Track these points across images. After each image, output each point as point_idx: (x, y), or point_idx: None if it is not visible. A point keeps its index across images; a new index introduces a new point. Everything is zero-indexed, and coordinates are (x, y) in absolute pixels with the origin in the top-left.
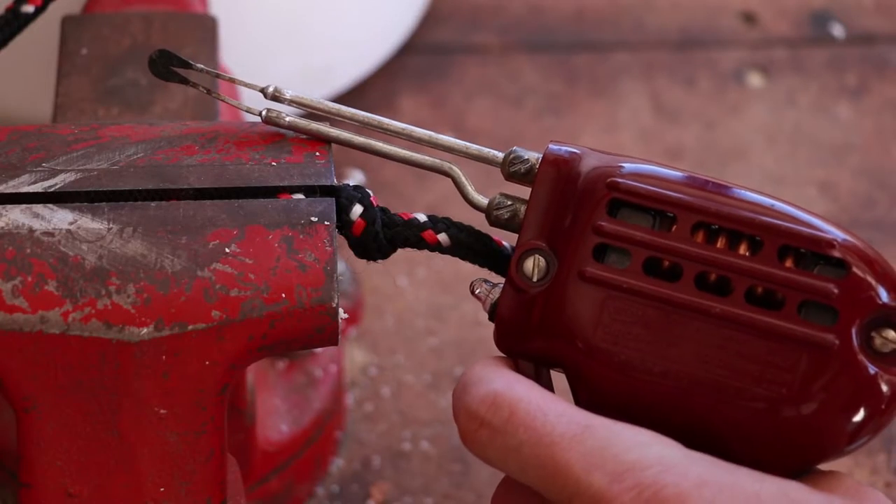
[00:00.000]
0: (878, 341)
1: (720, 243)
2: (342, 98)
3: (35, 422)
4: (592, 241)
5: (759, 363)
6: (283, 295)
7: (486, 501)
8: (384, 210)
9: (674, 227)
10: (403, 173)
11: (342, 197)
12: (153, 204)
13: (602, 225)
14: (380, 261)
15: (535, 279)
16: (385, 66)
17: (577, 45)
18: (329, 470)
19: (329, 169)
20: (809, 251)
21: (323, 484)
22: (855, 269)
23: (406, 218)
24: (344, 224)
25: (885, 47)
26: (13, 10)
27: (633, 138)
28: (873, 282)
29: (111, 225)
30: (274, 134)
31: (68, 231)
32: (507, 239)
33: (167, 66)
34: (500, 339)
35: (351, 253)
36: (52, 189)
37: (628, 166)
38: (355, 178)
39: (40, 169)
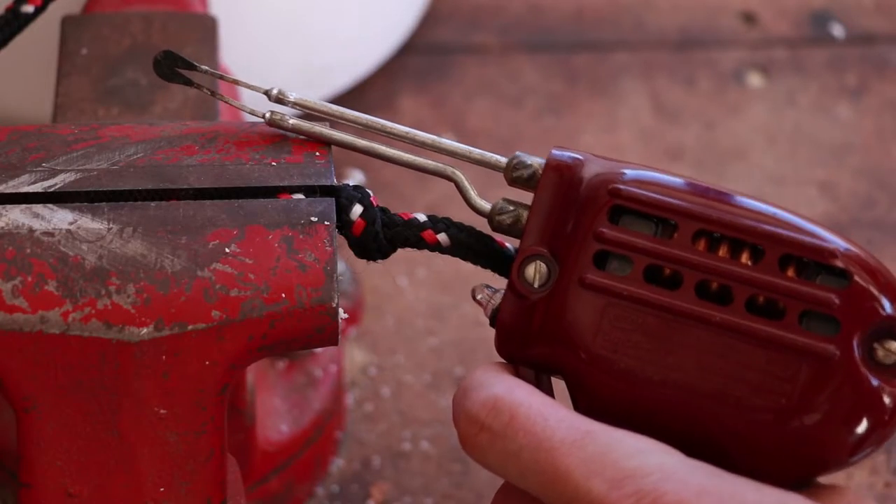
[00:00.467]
0: (880, 353)
1: (722, 251)
2: (342, 98)
3: (35, 422)
4: (593, 248)
5: (759, 372)
6: (283, 295)
7: (486, 502)
8: (384, 210)
9: (675, 235)
10: (403, 173)
11: (342, 197)
12: (153, 204)
13: (603, 232)
14: (380, 261)
15: (536, 285)
16: (385, 66)
17: (577, 45)
18: (329, 470)
19: (329, 169)
20: (812, 261)
21: (323, 484)
22: (857, 280)
23: (406, 218)
24: (344, 224)
25: (885, 47)
26: (13, 10)
27: (633, 138)
28: (876, 292)
29: (111, 225)
30: (274, 134)
31: (68, 231)
32: (509, 241)
33: (172, 68)
34: (501, 345)
35: (351, 253)
36: (52, 189)
37: (630, 173)
38: (355, 178)
39: (40, 169)
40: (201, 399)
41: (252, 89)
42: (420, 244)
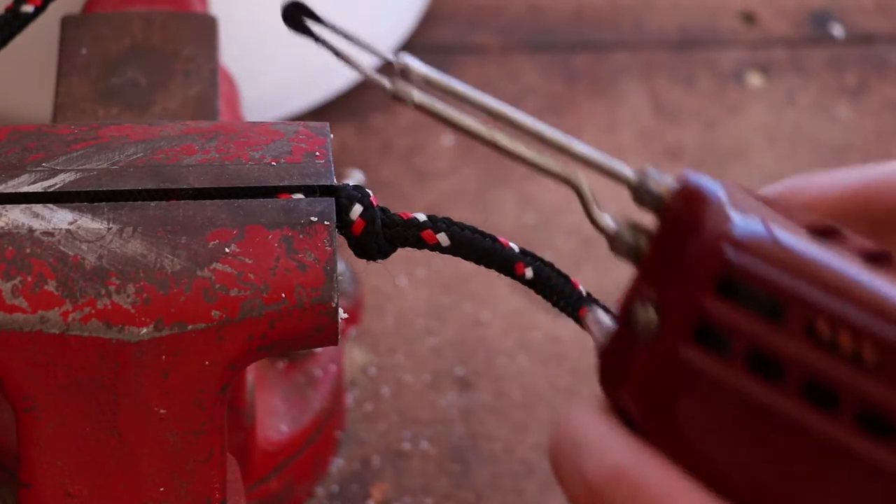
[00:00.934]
0: None
1: (843, 341)
2: (342, 98)
3: (35, 422)
4: (693, 319)
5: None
6: (283, 295)
7: (486, 501)
8: (384, 210)
9: (788, 321)
10: (403, 173)
11: (342, 197)
12: (153, 204)
13: (705, 305)
14: (380, 261)
15: (642, 331)
16: (385, 66)
17: (577, 45)
18: (329, 470)
19: (329, 169)
20: None
21: (323, 484)
22: None
23: (406, 218)
24: (344, 224)
25: (885, 47)
26: (13, 10)
27: (633, 138)
28: None
29: (111, 225)
30: (274, 133)
31: (68, 231)
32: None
33: (300, 19)
34: (603, 379)
35: (351, 253)
36: (51, 189)
37: (747, 231)
38: (355, 177)
39: (40, 169)
40: (201, 399)
41: (376, 55)
42: (420, 244)
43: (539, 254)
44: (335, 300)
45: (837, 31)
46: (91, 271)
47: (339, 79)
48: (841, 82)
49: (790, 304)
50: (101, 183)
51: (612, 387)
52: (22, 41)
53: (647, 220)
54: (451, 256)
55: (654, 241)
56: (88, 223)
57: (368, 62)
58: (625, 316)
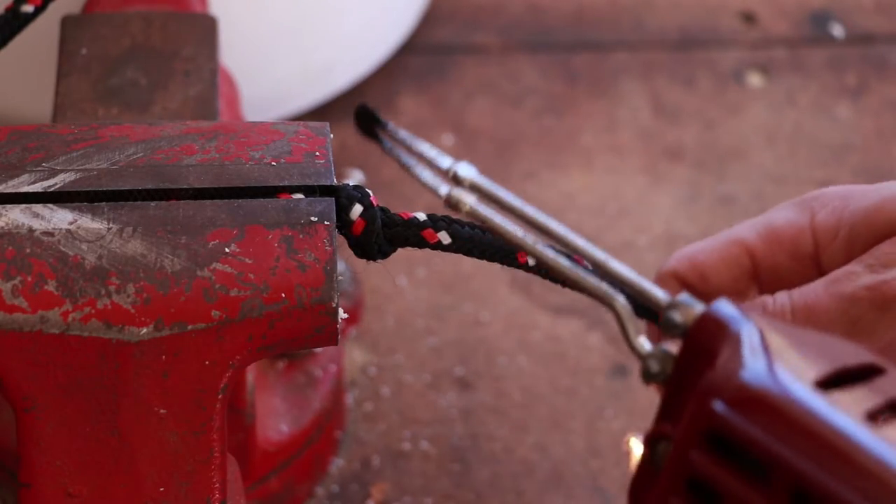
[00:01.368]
0: None
1: None
2: (342, 98)
3: (35, 422)
4: (685, 471)
5: None
6: (283, 295)
7: (486, 501)
8: (384, 210)
9: (773, 484)
10: (403, 173)
11: (342, 197)
12: (153, 204)
13: (694, 459)
14: (380, 261)
15: (657, 464)
16: (385, 66)
17: (577, 45)
18: (329, 470)
19: (329, 169)
20: None
21: (323, 484)
22: None
23: (406, 217)
24: (344, 224)
25: (885, 47)
26: (13, 10)
27: (633, 138)
28: None
29: (111, 225)
30: (274, 133)
31: (68, 231)
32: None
33: (370, 124)
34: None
35: (351, 253)
36: (51, 189)
37: (751, 382)
38: (355, 177)
39: (40, 169)
40: (201, 399)
41: (430, 168)
42: (421, 243)
43: None
44: (335, 300)
45: (837, 31)
46: (91, 271)
47: (339, 79)
48: (841, 82)
49: (775, 469)
50: (101, 183)
51: None
52: (22, 41)
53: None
54: (450, 257)
55: (673, 374)
56: (88, 223)
57: (428, 149)
58: (646, 445)
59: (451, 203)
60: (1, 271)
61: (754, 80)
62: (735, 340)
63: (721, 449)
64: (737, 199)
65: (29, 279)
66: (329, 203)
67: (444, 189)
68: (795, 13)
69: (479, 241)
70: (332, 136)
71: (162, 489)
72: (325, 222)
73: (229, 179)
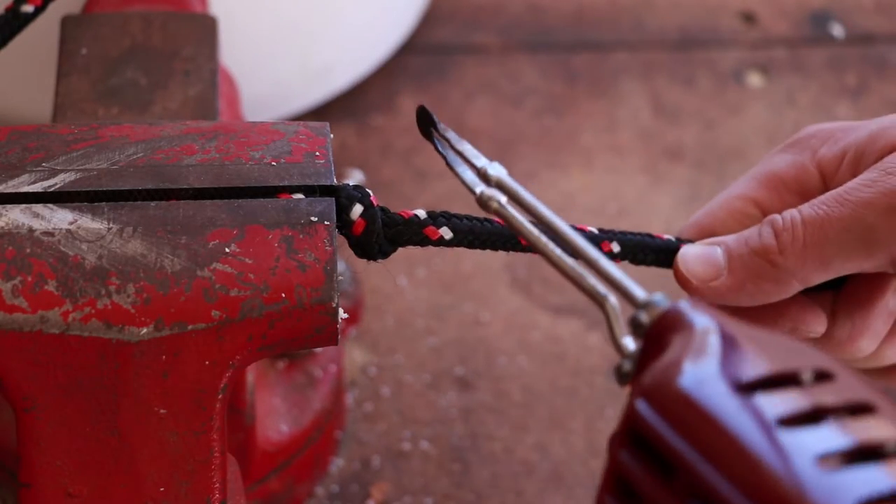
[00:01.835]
0: None
1: None
2: (342, 98)
3: (35, 422)
4: (616, 470)
5: None
6: (283, 295)
7: (486, 501)
8: (384, 209)
9: (676, 483)
10: (403, 173)
11: (342, 197)
12: (153, 204)
13: (621, 458)
14: (380, 261)
15: None
16: (385, 66)
17: (577, 45)
18: (329, 470)
19: (329, 169)
20: None
21: (323, 484)
22: None
23: (406, 217)
24: (344, 224)
25: (885, 47)
26: (13, 10)
27: (633, 138)
28: None
29: (111, 225)
30: (274, 133)
31: (68, 231)
32: None
33: (427, 126)
34: None
35: (351, 253)
36: (51, 189)
37: (674, 383)
38: (355, 177)
39: (40, 169)
40: (201, 399)
41: (468, 164)
42: (424, 241)
43: None
44: (335, 300)
45: (837, 31)
46: (91, 271)
47: (339, 79)
48: (841, 82)
49: (678, 469)
50: (101, 183)
51: None
52: (22, 41)
53: None
54: (450, 257)
55: (636, 373)
56: (88, 223)
57: (470, 151)
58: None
59: (481, 202)
60: (1, 271)
61: (754, 80)
62: (680, 341)
63: (644, 448)
64: None
65: (29, 279)
66: (329, 203)
67: (478, 188)
68: (795, 13)
69: (479, 232)
70: (332, 136)
71: (162, 489)
72: (325, 222)
73: (229, 179)
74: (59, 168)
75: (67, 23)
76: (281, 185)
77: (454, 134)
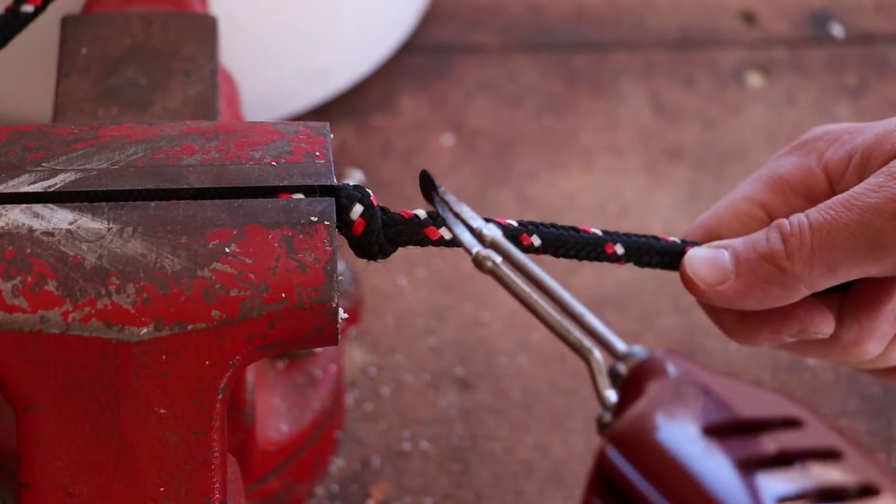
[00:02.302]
0: None
1: None
2: (342, 98)
3: (35, 422)
4: None
5: None
6: (283, 295)
7: (486, 501)
8: (384, 209)
9: None
10: (403, 173)
11: (342, 197)
12: (153, 204)
13: (589, 500)
14: (380, 260)
15: None
16: (385, 66)
17: (577, 45)
18: (329, 470)
19: (329, 169)
20: None
21: (323, 484)
22: None
23: (406, 216)
24: (344, 224)
25: (885, 47)
26: (13, 10)
27: (633, 138)
28: None
29: (111, 225)
30: (274, 133)
31: (68, 231)
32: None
33: (429, 190)
34: None
35: (351, 253)
36: (51, 189)
37: (658, 430)
38: (355, 177)
39: (40, 169)
40: (201, 399)
41: (465, 225)
42: (423, 241)
43: None
44: (335, 300)
45: (837, 31)
46: (91, 271)
47: (339, 79)
48: (841, 82)
49: None
50: (101, 183)
51: None
52: (22, 41)
53: None
54: (450, 257)
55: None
56: (88, 223)
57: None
58: None
59: (476, 261)
60: (1, 271)
61: (754, 80)
62: (654, 388)
63: (615, 494)
64: None
65: (29, 279)
66: (329, 203)
67: (475, 249)
68: (795, 13)
69: None
70: (332, 136)
71: (162, 489)
72: (326, 222)
73: (229, 179)
74: (59, 168)
75: (67, 23)
76: (281, 185)
77: (453, 197)
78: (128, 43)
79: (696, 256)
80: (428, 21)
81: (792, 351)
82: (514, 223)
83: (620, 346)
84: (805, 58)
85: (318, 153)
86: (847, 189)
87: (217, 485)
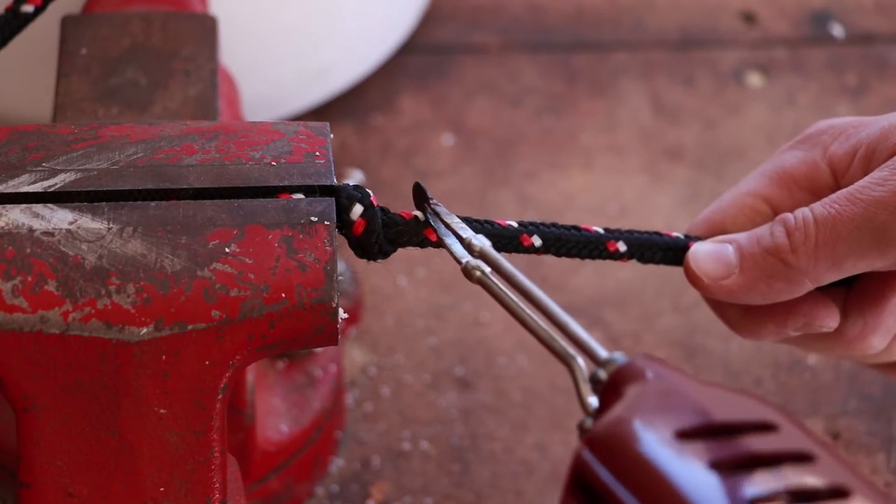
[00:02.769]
0: None
1: None
2: (342, 98)
3: (35, 422)
4: None
5: None
6: (283, 295)
7: (486, 501)
8: (384, 210)
9: None
10: (403, 173)
11: (342, 197)
12: (153, 204)
13: (566, 500)
14: (380, 260)
15: None
16: (385, 66)
17: (577, 45)
18: (329, 470)
19: (329, 169)
20: None
21: (323, 484)
22: None
23: (407, 217)
24: (344, 224)
25: (885, 47)
26: (13, 10)
27: (633, 138)
28: None
29: (111, 225)
30: (274, 133)
31: (68, 231)
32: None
33: (421, 200)
34: None
35: (351, 253)
36: (51, 189)
37: (632, 433)
38: (355, 177)
39: (40, 169)
40: (201, 399)
41: (455, 236)
42: (423, 242)
43: None
44: (335, 300)
45: (837, 31)
46: (91, 271)
47: (339, 79)
48: (841, 82)
49: None
50: (101, 183)
51: None
52: (22, 41)
53: None
54: (450, 256)
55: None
56: (88, 223)
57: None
58: None
59: (465, 271)
60: (1, 271)
61: (754, 80)
62: (632, 392)
63: (590, 496)
64: None
65: (29, 279)
66: (329, 203)
67: (464, 259)
68: (795, 13)
69: (481, 233)
70: (332, 136)
71: (162, 489)
72: (326, 222)
73: (229, 179)
74: (59, 168)
75: (67, 23)
76: (281, 185)
77: (444, 208)
78: (128, 43)
79: (700, 251)
80: (428, 21)
81: (796, 345)
82: (514, 224)
83: (602, 352)
84: (805, 58)
85: (318, 153)
86: (852, 183)
87: (217, 485)
